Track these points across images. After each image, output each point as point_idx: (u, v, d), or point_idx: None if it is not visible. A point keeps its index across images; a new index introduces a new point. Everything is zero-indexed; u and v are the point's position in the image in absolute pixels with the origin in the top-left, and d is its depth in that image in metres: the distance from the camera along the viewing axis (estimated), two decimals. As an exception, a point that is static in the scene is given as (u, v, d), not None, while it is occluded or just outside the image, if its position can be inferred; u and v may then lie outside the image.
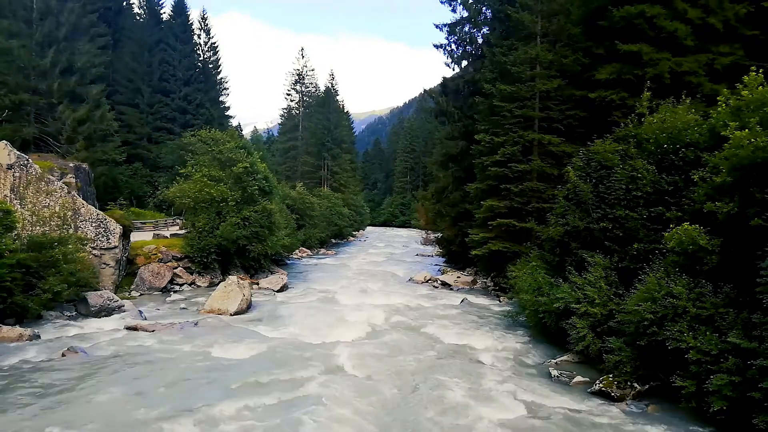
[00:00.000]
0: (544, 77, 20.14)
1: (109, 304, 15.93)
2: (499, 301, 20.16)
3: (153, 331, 13.75)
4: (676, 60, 16.13)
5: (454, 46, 29.02)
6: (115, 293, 17.68)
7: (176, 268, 21.81)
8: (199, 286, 21.78)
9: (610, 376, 10.14)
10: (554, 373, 11.19)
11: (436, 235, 35.99)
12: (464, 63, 29.75)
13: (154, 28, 46.31)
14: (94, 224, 18.46)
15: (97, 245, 18.30)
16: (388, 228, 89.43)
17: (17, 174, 17.32)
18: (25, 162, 17.56)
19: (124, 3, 47.67)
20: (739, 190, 9.08)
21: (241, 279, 19.06)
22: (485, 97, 22.35)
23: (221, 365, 11.28)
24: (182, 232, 25.34)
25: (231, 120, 52.98)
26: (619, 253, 11.93)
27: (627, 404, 9.50)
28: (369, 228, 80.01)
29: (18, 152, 17.73)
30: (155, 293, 19.93)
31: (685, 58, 16.21)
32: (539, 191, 19.62)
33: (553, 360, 12.19)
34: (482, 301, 20.40)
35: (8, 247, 13.54)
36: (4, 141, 17.85)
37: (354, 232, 63.30)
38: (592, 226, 12.58)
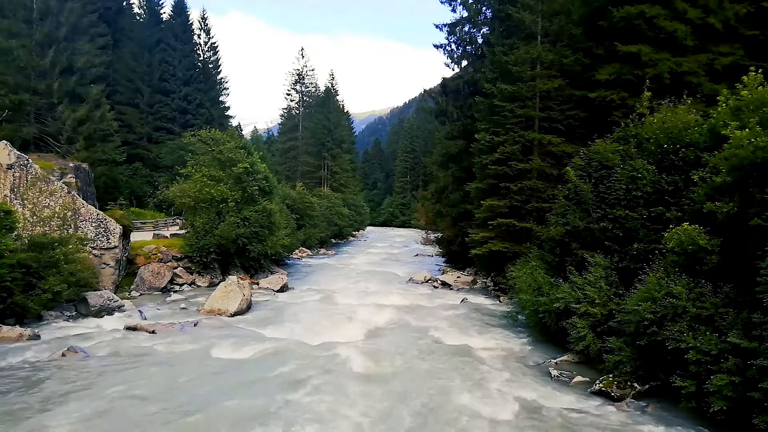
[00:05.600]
0: (545, 77, 20.13)
1: (109, 304, 15.94)
2: (499, 301, 20.15)
3: (153, 331, 13.75)
4: (676, 60, 16.12)
5: (454, 46, 29.05)
6: (115, 293, 17.69)
7: (176, 268, 21.82)
8: (199, 286, 21.78)
9: (610, 376, 10.14)
10: (554, 373, 11.18)
11: (436, 235, 35.97)
12: (464, 63, 29.77)
13: (154, 28, 46.36)
14: (94, 224, 18.46)
15: (97, 245, 18.31)
16: (388, 228, 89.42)
17: (17, 174, 17.33)
18: (25, 162, 17.56)
19: (124, 3, 47.72)
20: (739, 190, 9.08)
21: (241, 279, 19.06)
22: (485, 96, 22.34)
23: (221, 365, 11.28)
24: (182, 232, 25.35)
25: (231, 120, 53.05)
26: (619, 253, 11.93)
27: (627, 404, 9.49)
28: (369, 228, 80.00)
29: (18, 152, 17.74)
30: (155, 293, 19.93)
31: (685, 58, 16.21)
32: (539, 190, 19.61)
33: (553, 360, 12.19)
34: (482, 301, 20.40)
35: (8, 247, 13.54)
36: (4, 141, 17.85)
37: (354, 232, 63.29)
38: (592, 226, 12.58)
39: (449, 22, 28.64)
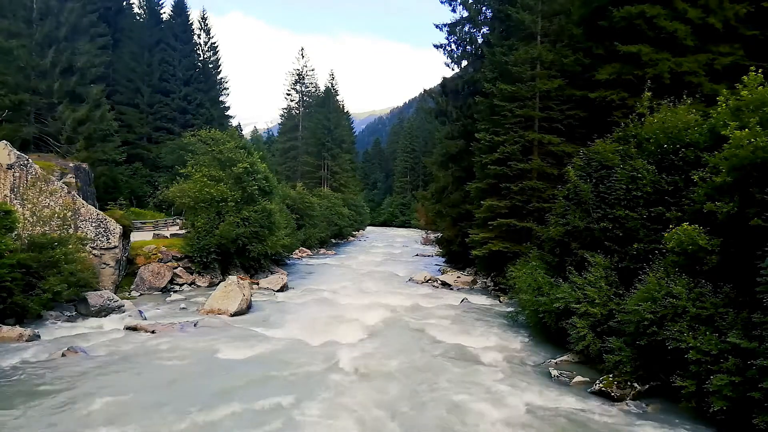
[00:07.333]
0: (545, 77, 20.14)
1: (109, 304, 15.93)
2: (499, 301, 20.15)
3: (153, 331, 13.74)
4: (676, 60, 16.12)
5: (454, 46, 29.03)
6: (115, 293, 17.68)
7: (176, 268, 21.81)
8: (199, 286, 21.78)
9: (610, 376, 10.14)
10: (554, 373, 11.18)
11: (436, 235, 35.97)
12: (464, 63, 29.75)
13: (154, 28, 46.34)
14: (94, 224, 18.46)
15: (97, 245, 18.30)
16: (388, 228, 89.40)
17: (17, 174, 17.32)
18: (25, 162, 17.55)
19: (124, 3, 47.72)
20: (739, 190, 9.08)
21: (241, 279, 19.06)
22: (485, 96, 22.35)
23: (221, 365, 11.29)
24: (182, 232, 25.35)
25: (231, 120, 53.06)
26: (619, 253, 11.93)
27: (627, 404, 9.49)
28: (369, 228, 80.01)
29: (18, 152, 17.73)
30: (155, 293, 19.93)
31: (685, 58, 16.20)
32: (539, 190, 19.61)
33: (553, 360, 12.19)
34: (482, 301, 20.39)
35: (8, 247, 13.53)
36: (4, 141, 17.84)
37: (354, 232, 63.27)
38: (592, 226, 12.58)
39: (449, 22, 28.65)
